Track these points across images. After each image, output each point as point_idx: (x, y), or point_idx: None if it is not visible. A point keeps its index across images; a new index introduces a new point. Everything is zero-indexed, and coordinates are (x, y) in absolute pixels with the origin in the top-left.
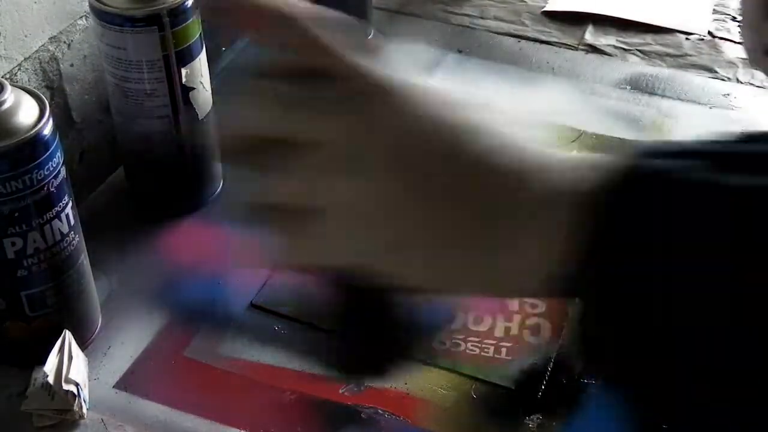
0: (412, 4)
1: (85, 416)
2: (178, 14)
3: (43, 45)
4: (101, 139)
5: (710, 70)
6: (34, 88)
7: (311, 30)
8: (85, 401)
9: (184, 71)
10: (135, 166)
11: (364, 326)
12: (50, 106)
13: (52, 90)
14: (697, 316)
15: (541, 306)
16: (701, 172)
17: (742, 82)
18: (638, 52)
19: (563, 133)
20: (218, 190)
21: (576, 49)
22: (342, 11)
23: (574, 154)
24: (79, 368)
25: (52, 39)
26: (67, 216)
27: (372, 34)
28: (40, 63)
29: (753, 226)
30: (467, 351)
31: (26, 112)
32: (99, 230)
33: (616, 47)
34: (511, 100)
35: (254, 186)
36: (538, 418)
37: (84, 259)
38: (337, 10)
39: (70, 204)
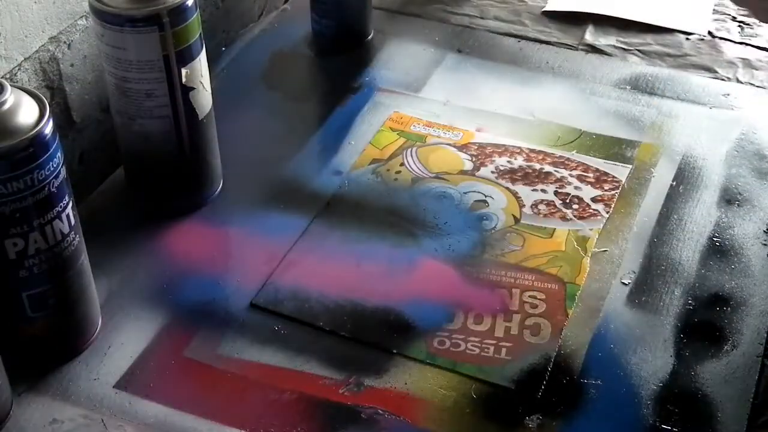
0: (412, 4)
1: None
2: (178, 14)
3: (43, 45)
4: (101, 139)
5: (710, 70)
6: (34, 88)
7: None
8: None
9: (184, 71)
10: (135, 166)
11: None
12: (50, 106)
13: (52, 90)
14: None
15: (541, 306)
16: None
17: (742, 82)
18: (638, 52)
19: (563, 133)
20: (218, 190)
21: (576, 49)
22: (342, 11)
23: None
24: None
25: (52, 39)
26: (67, 216)
27: (372, 34)
28: (40, 63)
29: None
30: (467, 351)
31: (26, 113)
32: (99, 230)
33: (616, 47)
34: (511, 100)
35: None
36: (538, 418)
37: (84, 260)
38: (337, 11)
39: (71, 204)
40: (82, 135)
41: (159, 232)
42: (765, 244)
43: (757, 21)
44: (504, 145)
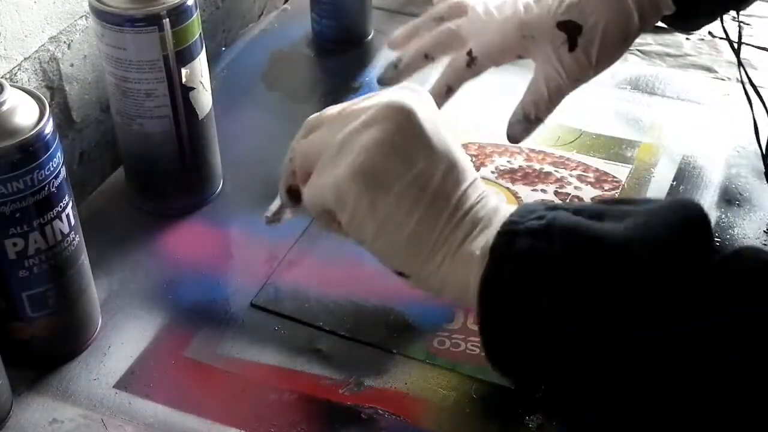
0: (412, 4)
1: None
2: (178, 14)
3: (43, 45)
4: (101, 139)
5: (710, 70)
6: (34, 88)
7: None
8: None
9: (184, 71)
10: (135, 166)
11: None
12: (50, 106)
13: (52, 90)
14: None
15: None
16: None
17: (742, 82)
18: (638, 52)
19: (563, 133)
20: (218, 190)
21: None
22: (342, 11)
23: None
24: None
25: (52, 39)
26: (67, 216)
27: (372, 34)
28: (40, 63)
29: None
30: (467, 351)
31: (26, 113)
32: (99, 230)
33: None
34: (511, 100)
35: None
36: (538, 418)
37: (84, 259)
38: (337, 11)
39: (71, 204)
40: (82, 135)
41: (159, 232)
42: (765, 244)
43: (757, 21)
44: (504, 145)
